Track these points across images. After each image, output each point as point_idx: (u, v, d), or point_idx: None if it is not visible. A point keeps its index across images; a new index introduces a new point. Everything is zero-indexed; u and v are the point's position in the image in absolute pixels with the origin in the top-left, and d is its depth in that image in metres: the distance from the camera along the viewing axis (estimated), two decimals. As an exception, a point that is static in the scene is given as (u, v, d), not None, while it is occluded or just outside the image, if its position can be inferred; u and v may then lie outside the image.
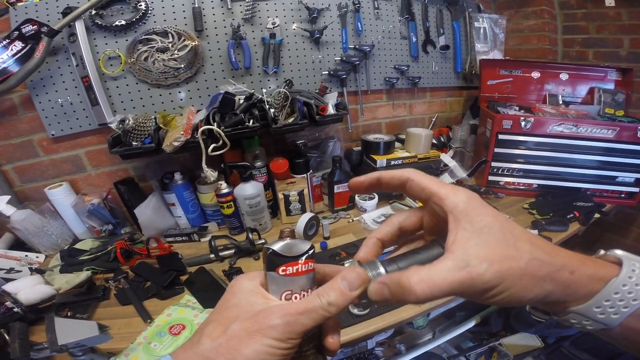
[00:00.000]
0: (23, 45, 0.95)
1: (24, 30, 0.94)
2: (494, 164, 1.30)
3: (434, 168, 1.32)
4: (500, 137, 1.25)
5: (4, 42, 0.93)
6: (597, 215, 1.17)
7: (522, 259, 0.26)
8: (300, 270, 0.28)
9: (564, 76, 1.47)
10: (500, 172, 1.31)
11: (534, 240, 0.27)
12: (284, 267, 0.28)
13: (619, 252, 0.29)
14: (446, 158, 1.41)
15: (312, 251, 0.29)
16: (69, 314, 0.80)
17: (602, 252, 0.30)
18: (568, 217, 1.14)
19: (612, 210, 1.29)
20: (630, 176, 1.23)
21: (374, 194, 1.24)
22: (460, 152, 1.52)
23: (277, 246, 0.28)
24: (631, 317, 0.26)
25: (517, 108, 1.36)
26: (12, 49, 0.94)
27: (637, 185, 1.23)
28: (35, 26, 0.94)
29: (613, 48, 1.49)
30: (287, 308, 0.27)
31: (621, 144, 1.19)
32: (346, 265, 0.31)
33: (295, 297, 0.28)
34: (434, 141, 1.49)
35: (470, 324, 1.28)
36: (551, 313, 0.30)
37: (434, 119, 1.67)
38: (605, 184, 1.26)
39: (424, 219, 0.33)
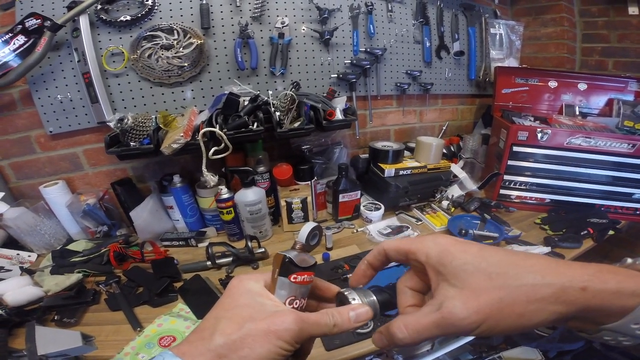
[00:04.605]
0: (26, 39, 0.92)
1: (27, 24, 0.91)
2: (506, 176, 1.24)
3: (444, 179, 1.27)
4: (515, 149, 1.19)
5: (6, 37, 0.90)
6: (611, 232, 1.11)
7: (504, 288, 0.25)
8: (305, 280, 0.32)
9: (582, 86, 1.41)
10: (512, 185, 1.26)
11: (523, 262, 0.26)
12: (295, 275, 0.31)
13: None
14: (456, 169, 1.35)
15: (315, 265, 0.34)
16: (55, 318, 0.77)
17: (629, 260, 0.29)
18: (582, 233, 1.08)
19: (625, 226, 1.23)
20: (647, 193, 1.16)
21: (380, 204, 1.20)
22: (470, 162, 1.46)
23: (292, 255, 0.32)
24: None
25: (532, 118, 1.31)
26: (14, 44, 0.92)
27: (655, 202, 1.17)
28: (39, 20, 0.91)
29: (635, 58, 1.43)
30: (302, 316, 0.29)
31: (640, 159, 1.12)
32: (345, 292, 0.34)
33: (296, 303, 0.32)
34: (444, 150, 1.44)
35: (471, 336, 1.23)
36: (584, 332, 0.28)
37: (444, 127, 1.62)
38: (621, 200, 1.20)
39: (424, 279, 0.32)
